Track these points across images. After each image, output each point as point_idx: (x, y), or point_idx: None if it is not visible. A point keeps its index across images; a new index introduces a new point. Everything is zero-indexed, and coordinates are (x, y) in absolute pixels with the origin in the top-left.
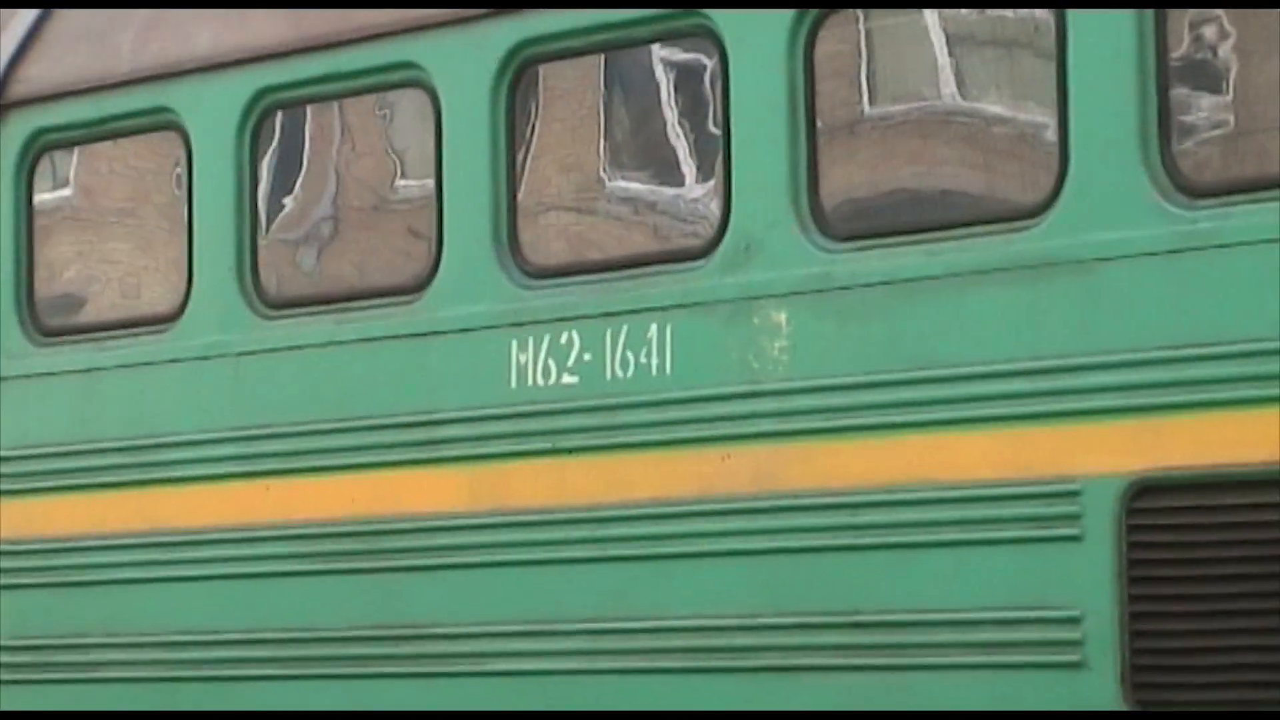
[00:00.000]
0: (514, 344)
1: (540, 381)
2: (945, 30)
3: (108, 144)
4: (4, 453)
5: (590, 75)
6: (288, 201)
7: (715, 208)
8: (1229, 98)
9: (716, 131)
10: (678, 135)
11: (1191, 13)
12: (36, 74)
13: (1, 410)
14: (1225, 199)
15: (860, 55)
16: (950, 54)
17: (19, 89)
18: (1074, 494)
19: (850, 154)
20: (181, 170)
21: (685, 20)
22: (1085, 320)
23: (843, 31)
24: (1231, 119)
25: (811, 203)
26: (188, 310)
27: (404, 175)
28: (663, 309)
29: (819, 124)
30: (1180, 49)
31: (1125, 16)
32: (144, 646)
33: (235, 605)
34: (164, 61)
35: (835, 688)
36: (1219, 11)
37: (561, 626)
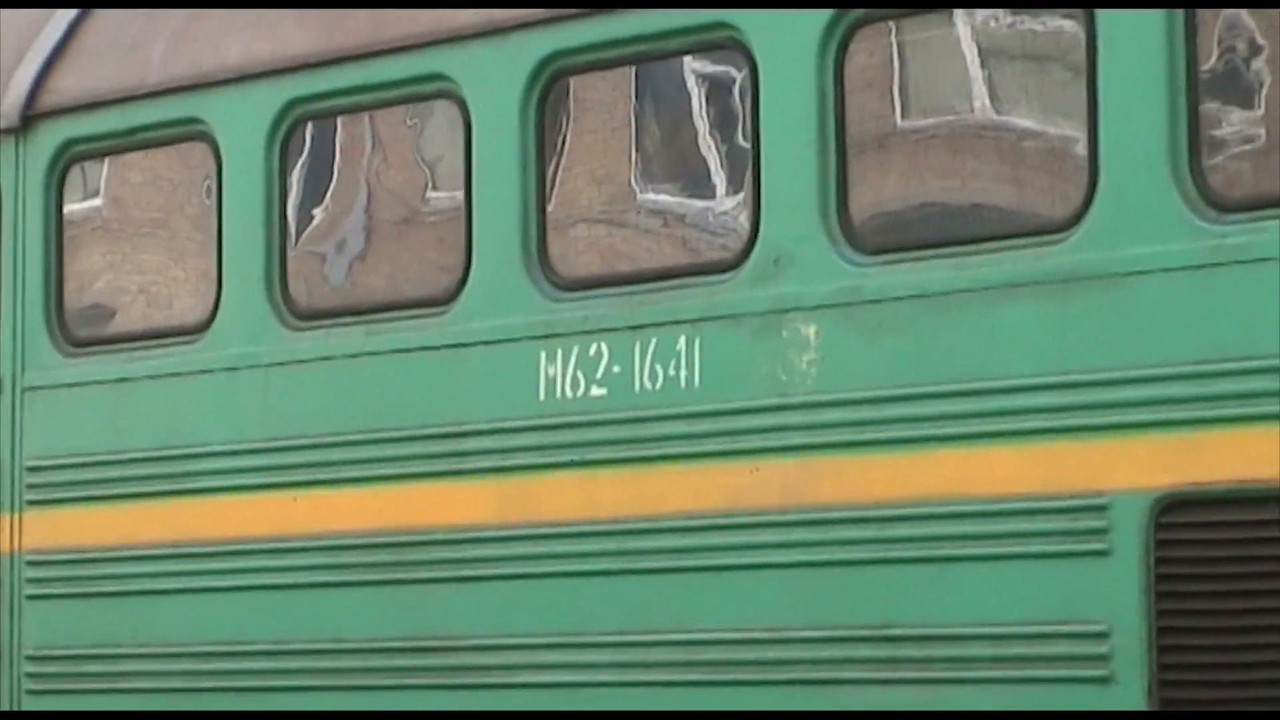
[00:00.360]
0: (543, 356)
1: (569, 393)
2: (976, 43)
3: (138, 154)
4: (33, 463)
5: (620, 87)
6: (317, 213)
7: (745, 220)
8: (1260, 112)
9: (746, 144)
10: (708, 148)
11: (1222, 26)
12: (66, 84)
13: (31, 421)
14: (1256, 214)
15: (891, 68)
16: (981, 67)
17: (49, 99)
18: (1103, 509)
19: (880, 167)
20: (211, 181)
21: (716, 32)
22: (1115, 335)
23: (873, 44)
24: (1262, 133)
25: (841, 216)
26: (217, 321)
27: (434, 187)
28: (692, 321)
29: (849, 137)
30: (1211, 62)
31: (1156, 30)
32: (172, 657)
33: (264, 616)
34: (194, 72)
35: (865, 701)
36: (1252, 25)
37: (590, 639)
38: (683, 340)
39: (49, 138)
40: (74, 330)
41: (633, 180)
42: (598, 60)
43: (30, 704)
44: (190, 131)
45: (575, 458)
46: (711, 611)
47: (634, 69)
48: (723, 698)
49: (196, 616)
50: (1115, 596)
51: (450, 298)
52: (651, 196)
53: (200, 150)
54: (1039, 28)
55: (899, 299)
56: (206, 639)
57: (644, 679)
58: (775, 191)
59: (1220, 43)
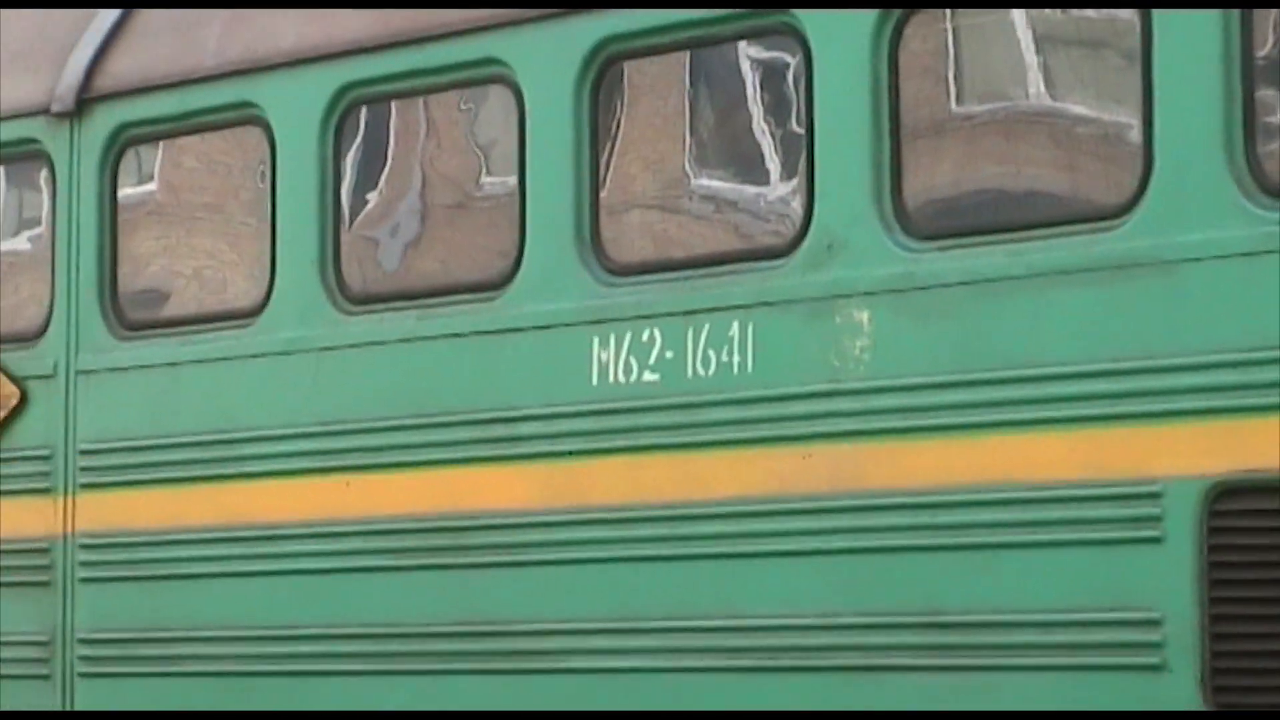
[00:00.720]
0: (595, 341)
1: (621, 379)
2: (1031, 29)
3: (192, 138)
4: (86, 446)
5: (674, 72)
6: (371, 197)
7: (798, 206)
8: None
9: (800, 130)
10: (761, 133)
11: (1277, 13)
12: (121, 68)
13: (84, 403)
14: None
15: (945, 54)
16: (1035, 53)
17: (104, 83)
18: (1155, 495)
19: (934, 153)
20: (265, 165)
21: (770, 18)
22: (1168, 321)
23: (928, 30)
24: None
25: (894, 202)
26: (270, 305)
27: (487, 171)
28: (744, 307)
29: (903, 123)
30: (1266, 49)
31: (1212, 16)
32: (223, 641)
33: (314, 600)
34: (249, 56)
35: (914, 688)
36: None
37: (640, 624)
38: (735, 326)
39: (104, 121)
40: (127, 314)
41: (686, 165)
42: (652, 45)
43: (83, 686)
44: (244, 115)
45: (627, 443)
46: (761, 597)
47: (688, 54)
48: (771, 683)
49: (248, 600)
50: (1167, 583)
51: (503, 282)
52: (705, 182)
53: (254, 134)
54: (1094, 14)
55: (952, 285)
56: (258, 623)
57: (693, 665)
58: (829, 177)
59: (1276, 29)
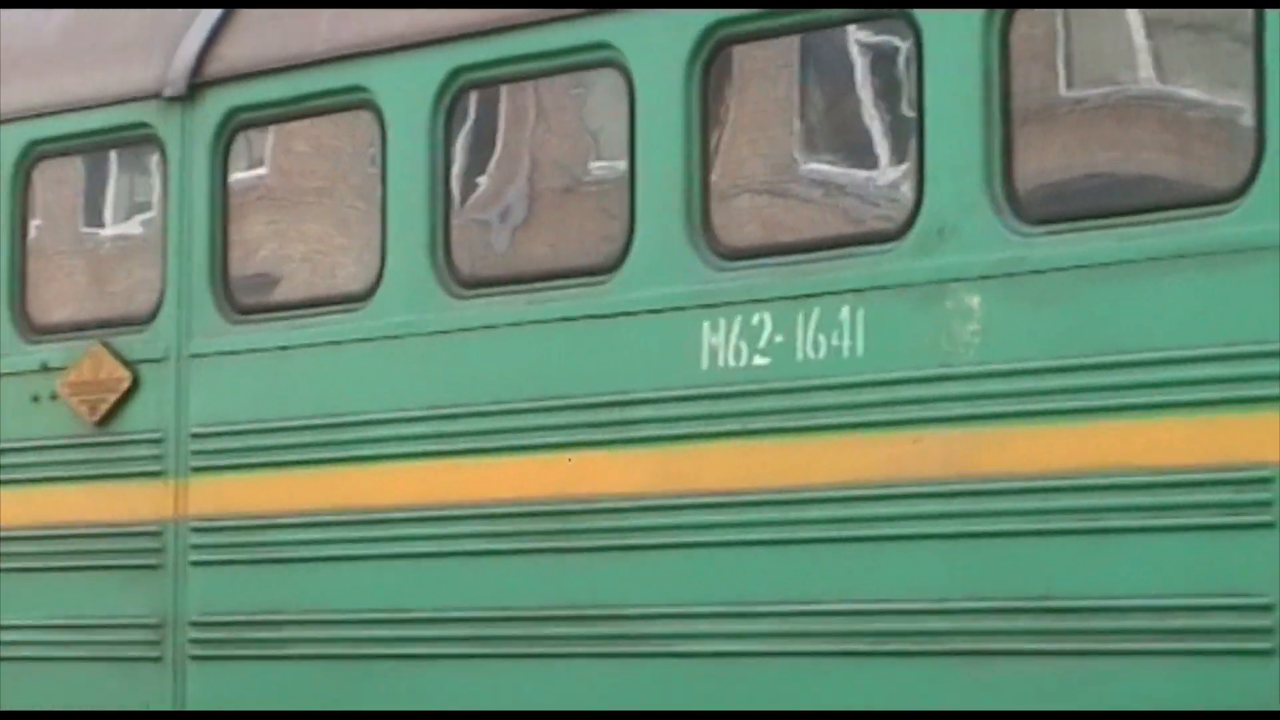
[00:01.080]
0: (705, 325)
1: (731, 363)
2: (1142, 14)
3: (303, 123)
4: (197, 429)
5: (785, 57)
6: (481, 181)
7: (909, 190)
8: None
9: (911, 114)
10: (872, 117)
11: None
12: (233, 52)
13: (195, 387)
14: None
15: (1056, 38)
16: (1147, 37)
17: (215, 67)
18: (1267, 480)
19: (1045, 137)
20: (376, 149)
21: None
22: None
23: (1039, 15)
24: None
25: (1006, 186)
26: (380, 289)
27: (597, 156)
28: (855, 291)
29: (1014, 107)
30: None
31: None
32: (334, 625)
33: (426, 585)
34: (360, 41)
35: (1025, 672)
36: None
37: (751, 609)
38: (845, 310)
39: (215, 106)
40: (238, 298)
41: (796, 150)
42: (762, 30)
43: (194, 670)
44: (355, 100)
45: (738, 427)
46: (872, 582)
47: (798, 38)
48: (882, 668)
49: (359, 584)
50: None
51: (613, 267)
52: (814, 166)
53: (365, 119)
54: None
55: (1063, 269)
56: (369, 607)
57: (805, 649)
58: (939, 161)
59: None
